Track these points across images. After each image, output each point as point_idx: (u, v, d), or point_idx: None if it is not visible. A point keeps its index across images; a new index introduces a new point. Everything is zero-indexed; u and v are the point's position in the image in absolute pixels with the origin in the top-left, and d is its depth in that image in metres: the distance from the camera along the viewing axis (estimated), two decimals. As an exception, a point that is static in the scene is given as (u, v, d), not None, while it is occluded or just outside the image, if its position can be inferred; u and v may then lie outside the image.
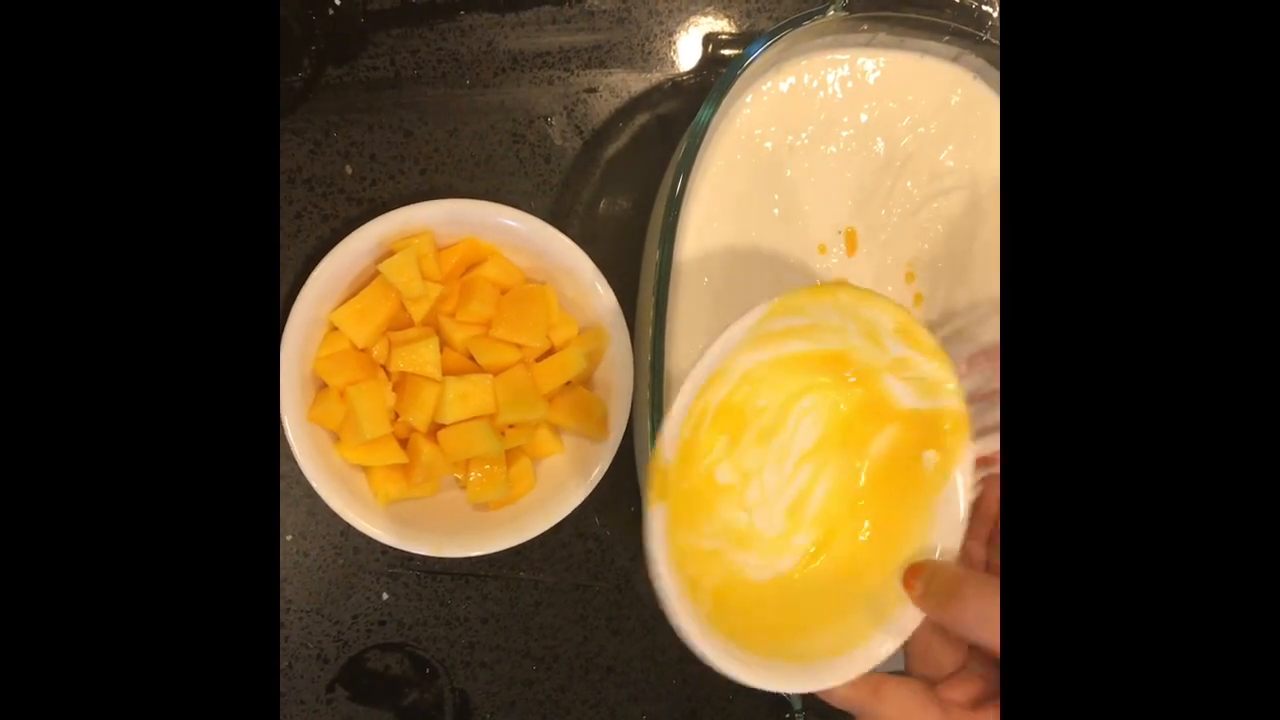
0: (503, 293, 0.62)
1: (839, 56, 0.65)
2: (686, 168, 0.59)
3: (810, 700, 0.60)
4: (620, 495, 0.67)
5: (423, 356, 0.59)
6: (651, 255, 0.61)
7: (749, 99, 0.63)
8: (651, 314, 0.59)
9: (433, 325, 0.61)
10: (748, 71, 0.62)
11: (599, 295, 0.62)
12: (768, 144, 0.64)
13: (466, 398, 0.59)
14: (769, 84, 0.63)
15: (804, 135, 0.64)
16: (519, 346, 0.61)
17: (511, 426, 0.61)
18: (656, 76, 0.68)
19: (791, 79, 0.64)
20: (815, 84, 0.64)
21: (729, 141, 0.63)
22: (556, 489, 0.63)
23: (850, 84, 0.64)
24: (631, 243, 0.66)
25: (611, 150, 0.68)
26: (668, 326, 0.61)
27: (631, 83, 0.68)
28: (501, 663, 0.67)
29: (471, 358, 0.61)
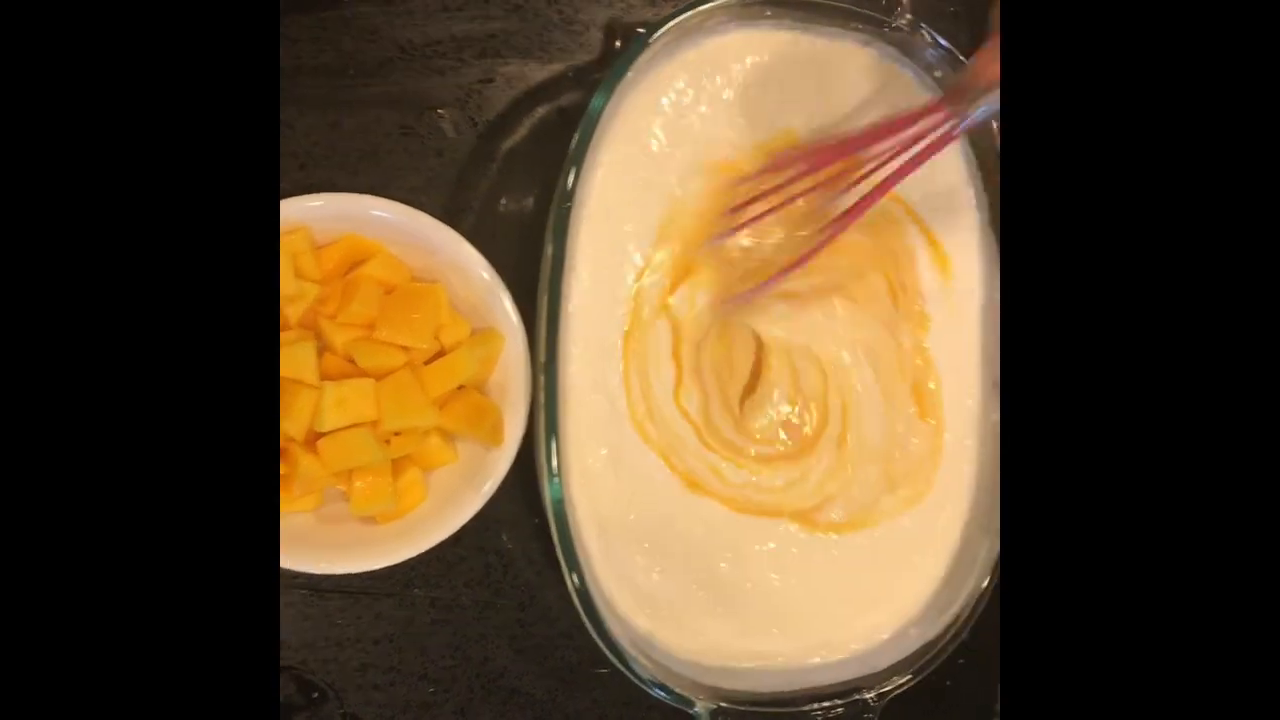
0: (388, 292, 0.58)
1: (743, 41, 0.62)
2: (579, 159, 0.56)
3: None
4: (522, 506, 0.64)
5: (298, 360, 0.55)
6: (546, 252, 0.58)
7: (647, 87, 0.60)
8: (545, 313, 0.56)
9: (311, 327, 0.57)
10: (646, 58, 0.59)
11: (493, 295, 0.59)
12: (668, 133, 0.61)
13: (345, 404, 0.55)
14: (669, 71, 0.61)
15: (709, 123, 0.61)
16: (405, 349, 0.58)
17: (397, 434, 0.58)
18: (557, 66, 0.65)
19: (693, 65, 0.61)
20: (718, 70, 0.62)
21: (626, 132, 0.60)
22: (450, 500, 0.59)
23: (756, 69, 0.62)
24: (533, 241, 0.63)
25: (509, 143, 0.64)
26: (563, 325, 0.58)
27: (530, 73, 0.64)
28: (396, 685, 0.63)
29: (353, 362, 0.57)
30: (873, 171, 0.58)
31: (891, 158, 0.57)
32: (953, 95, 0.56)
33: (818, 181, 0.59)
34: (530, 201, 0.64)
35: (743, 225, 0.60)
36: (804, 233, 0.61)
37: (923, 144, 0.56)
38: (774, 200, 0.60)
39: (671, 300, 0.61)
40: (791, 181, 0.59)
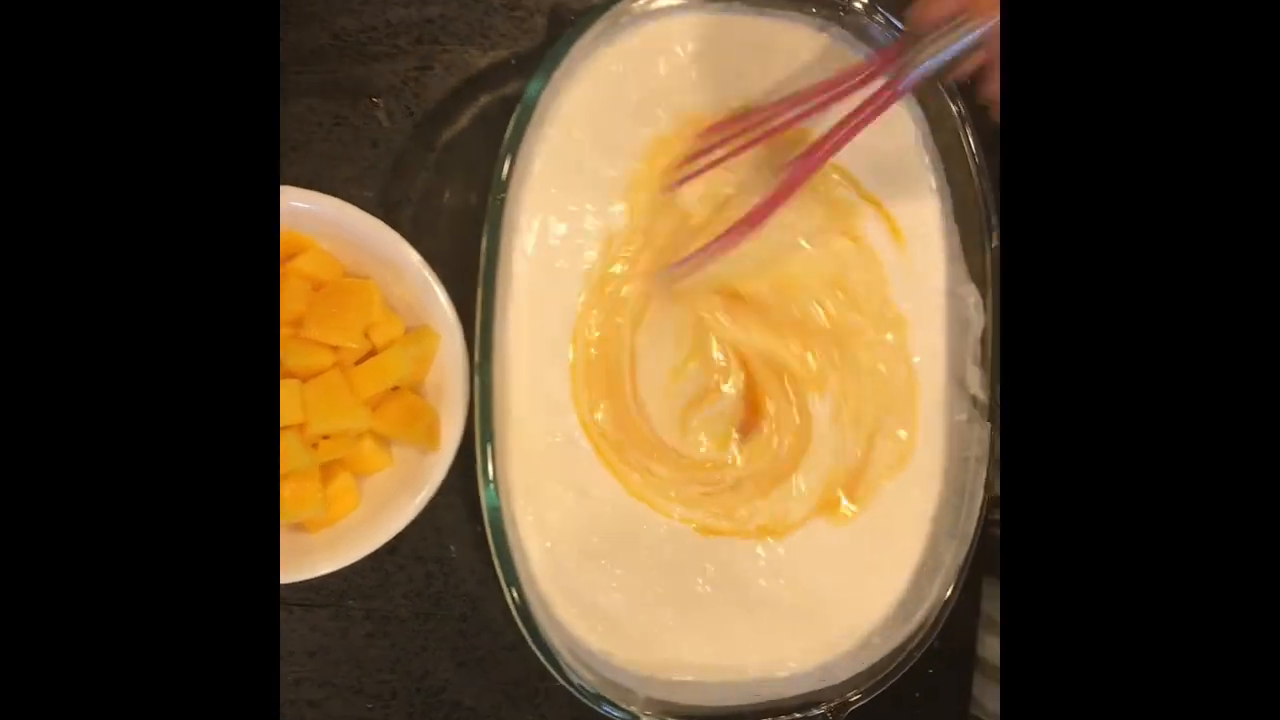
0: (317, 289, 0.55)
1: (690, 25, 0.59)
2: (513, 148, 0.54)
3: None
4: (463, 513, 0.61)
5: (220, 360, 0.52)
6: (482, 245, 0.55)
7: (589, 71, 0.58)
8: (479, 309, 0.54)
9: (235, 326, 0.55)
10: (587, 42, 0.56)
11: (429, 292, 0.56)
12: (609, 119, 0.58)
13: (269, 406, 0.52)
14: (610, 55, 0.58)
15: (651, 108, 0.59)
16: (334, 348, 0.55)
17: (326, 438, 0.55)
18: (500, 53, 0.62)
19: (636, 50, 0.58)
20: (662, 54, 0.59)
21: (565, 118, 0.58)
22: (384, 507, 0.56)
23: (703, 54, 0.59)
24: (475, 236, 0.60)
25: (449, 134, 0.61)
26: (499, 322, 0.55)
27: (471, 60, 0.62)
28: (332, 700, 0.61)
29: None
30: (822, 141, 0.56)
31: (840, 127, 0.55)
32: (891, 52, 0.54)
33: (759, 140, 0.58)
34: (472, 195, 0.61)
35: (686, 178, 0.58)
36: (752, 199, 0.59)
37: (868, 104, 0.54)
38: (717, 155, 0.58)
39: (623, 291, 0.59)
40: (735, 142, 0.57)
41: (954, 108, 0.59)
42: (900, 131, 0.62)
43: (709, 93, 0.59)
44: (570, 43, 0.54)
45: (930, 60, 0.51)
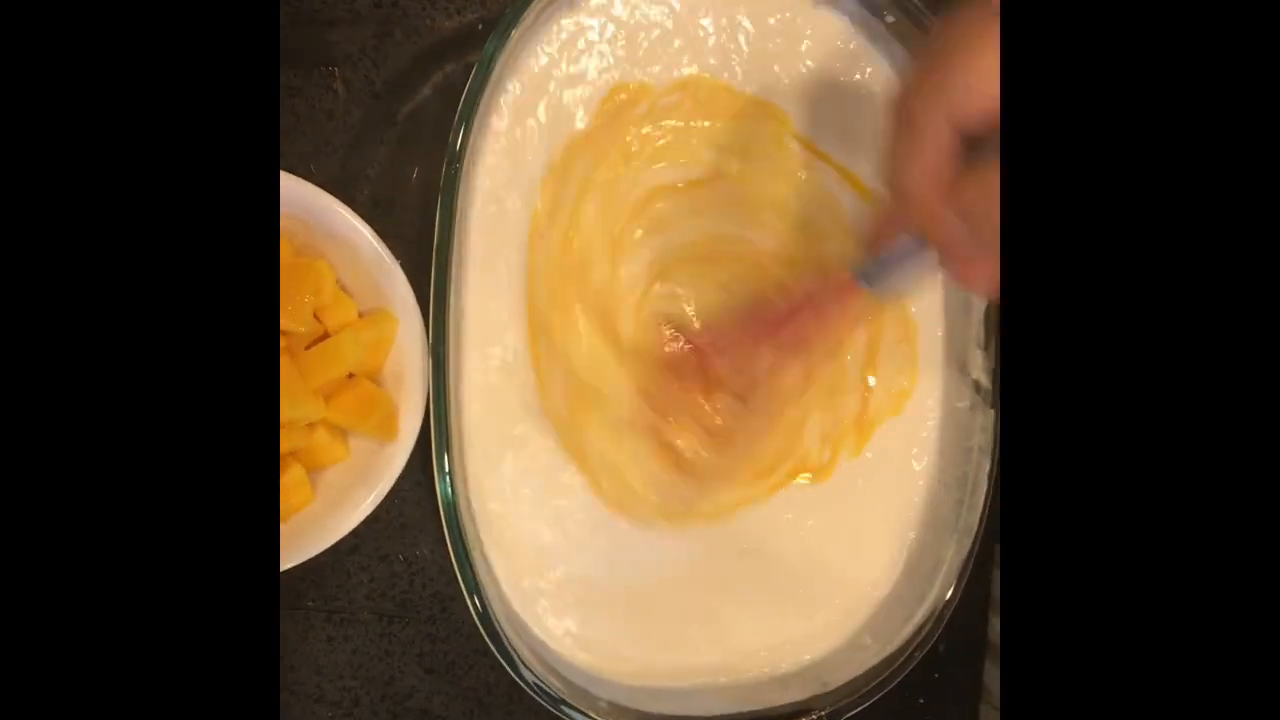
0: (264, 269, 0.52)
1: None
2: (468, 115, 0.50)
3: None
4: (429, 509, 0.57)
5: (157, 345, 0.49)
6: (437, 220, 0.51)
7: (552, 35, 0.54)
8: (432, 288, 0.50)
9: (175, 309, 0.51)
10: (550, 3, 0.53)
11: (385, 272, 0.53)
12: (574, 89, 0.54)
13: (209, 393, 0.49)
14: (573, 15, 0.54)
15: (613, 67, 0.55)
16: (282, 333, 0.51)
17: (274, 428, 0.51)
18: (466, 18, 0.58)
19: (602, 6, 0.55)
20: (631, 9, 0.55)
21: (527, 83, 0.54)
22: (340, 501, 0.53)
23: (670, 8, 0.55)
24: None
25: (410, 105, 0.58)
26: (454, 302, 0.52)
27: (434, 25, 0.58)
28: (290, 708, 0.57)
29: (221, 347, 0.51)
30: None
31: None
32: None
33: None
34: (435, 171, 0.57)
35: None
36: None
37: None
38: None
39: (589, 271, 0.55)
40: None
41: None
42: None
43: (670, 50, 0.56)
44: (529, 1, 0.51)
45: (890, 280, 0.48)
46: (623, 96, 0.55)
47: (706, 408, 0.55)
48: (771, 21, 0.57)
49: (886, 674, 0.55)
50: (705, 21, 0.56)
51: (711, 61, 0.56)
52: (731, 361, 0.54)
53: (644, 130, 0.56)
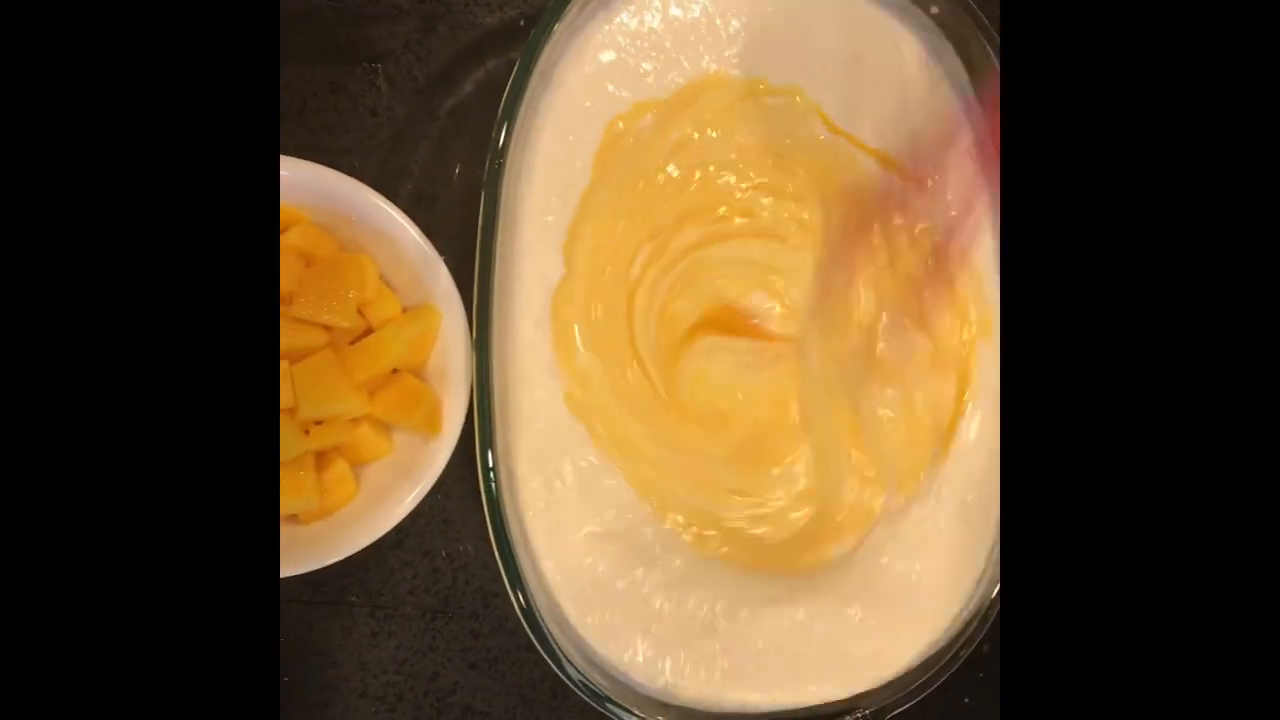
0: (308, 265, 0.52)
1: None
2: (511, 110, 0.50)
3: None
4: (472, 504, 0.57)
5: (203, 340, 0.49)
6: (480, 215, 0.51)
7: (601, 29, 0.54)
8: (476, 283, 0.50)
9: (221, 304, 0.52)
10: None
11: (429, 268, 0.53)
12: (618, 76, 0.54)
13: (254, 389, 0.49)
14: (616, 12, 0.54)
15: (660, 61, 0.54)
16: (326, 328, 0.51)
17: (319, 423, 0.51)
18: (508, 13, 0.58)
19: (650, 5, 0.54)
20: (674, 11, 0.55)
21: (572, 76, 0.54)
22: (384, 497, 0.53)
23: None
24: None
25: (453, 101, 0.58)
26: (498, 297, 0.51)
27: (476, 20, 0.58)
28: (333, 704, 0.57)
29: (267, 342, 0.51)
30: None
31: None
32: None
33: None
34: (479, 166, 0.57)
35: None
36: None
37: None
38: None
39: (631, 270, 0.55)
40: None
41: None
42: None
43: (713, 42, 0.55)
44: (573, -8, 0.50)
45: None
46: (621, 125, 0.55)
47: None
48: (807, 16, 0.56)
49: (931, 672, 0.54)
50: (736, 22, 0.56)
51: (749, 56, 0.56)
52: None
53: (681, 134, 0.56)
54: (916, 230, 0.56)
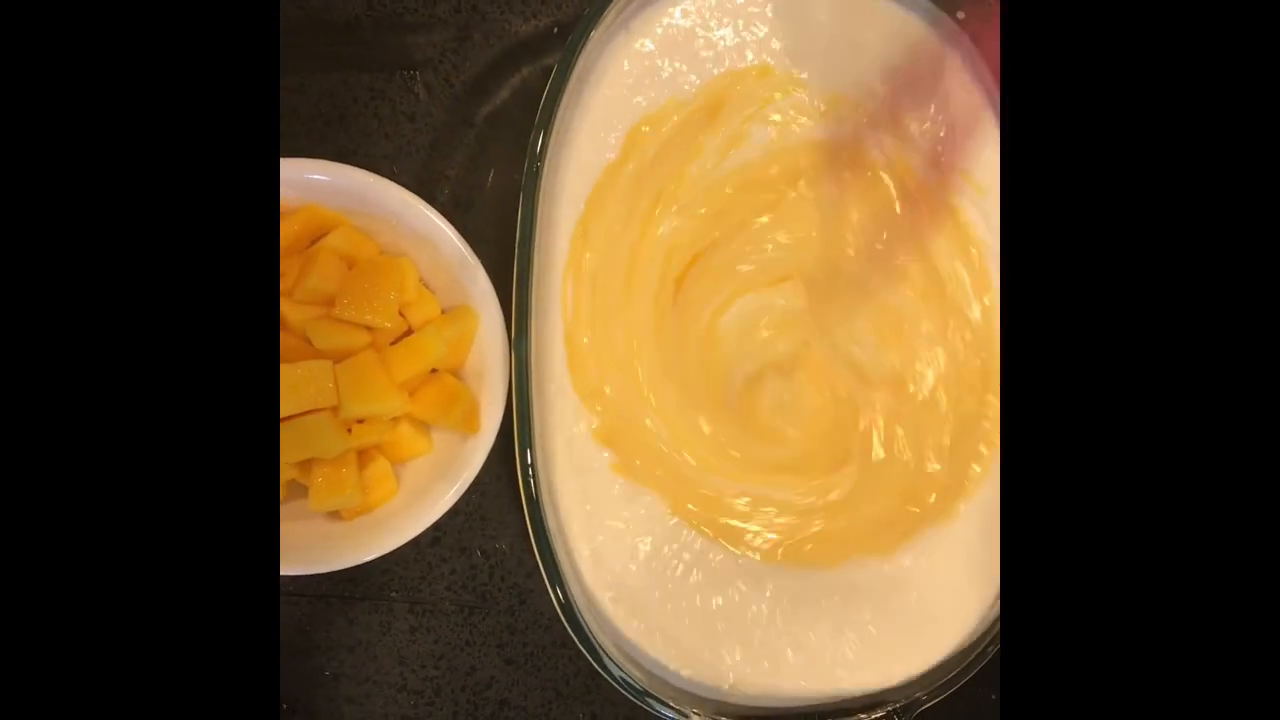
0: (350, 267, 0.53)
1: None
2: (548, 116, 0.51)
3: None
4: (508, 502, 0.59)
5: (249, 341, 0.50)
6: (519, 217, 0.52)
7: (630, 36, 0.55)
8: (514, 283, 0.51)
9: (266, 306, 0.53)
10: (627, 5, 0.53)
11: (467, 270, 0.54)
12: (650, 81, 0.55)
13: (300, 387, 0.50)
14: (651, 15, 0.55)
15: (695, 68, 0.56)
16: (368, 328, 0.52)
17: (360, 421, 0.53)
18: (542, 21, 0.59)
19: (687, 8, 0.55)
20: (716, 13, 0.56)
21: (606, 81, 0.55)
22: (423, 494, 0.54)
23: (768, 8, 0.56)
24: (517, 213, 0.58)
25: (489, 107, 0.59)
26: (535, 297, 0.53)
27: (511, 29, 0.59)
28: (373, 698, 0.58)
29: (310, 342, 0.52)
30: None
31: None
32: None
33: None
34: (514, 171, 0.59)
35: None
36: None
37: None
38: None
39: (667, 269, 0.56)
40: None
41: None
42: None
43: (749, 47, 0.56)
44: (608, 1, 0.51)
45: None
46: (646, 129, 0.56)
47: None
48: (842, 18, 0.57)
49: (959, 668, 0.55)
50: (763, 27, 0.57)
51: (779, 57, 0.57)
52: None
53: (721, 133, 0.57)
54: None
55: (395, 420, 0.54)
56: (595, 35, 0.51)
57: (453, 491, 0.53)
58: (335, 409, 0.51)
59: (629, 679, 0.51)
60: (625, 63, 0.55)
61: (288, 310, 0.52)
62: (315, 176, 0.52)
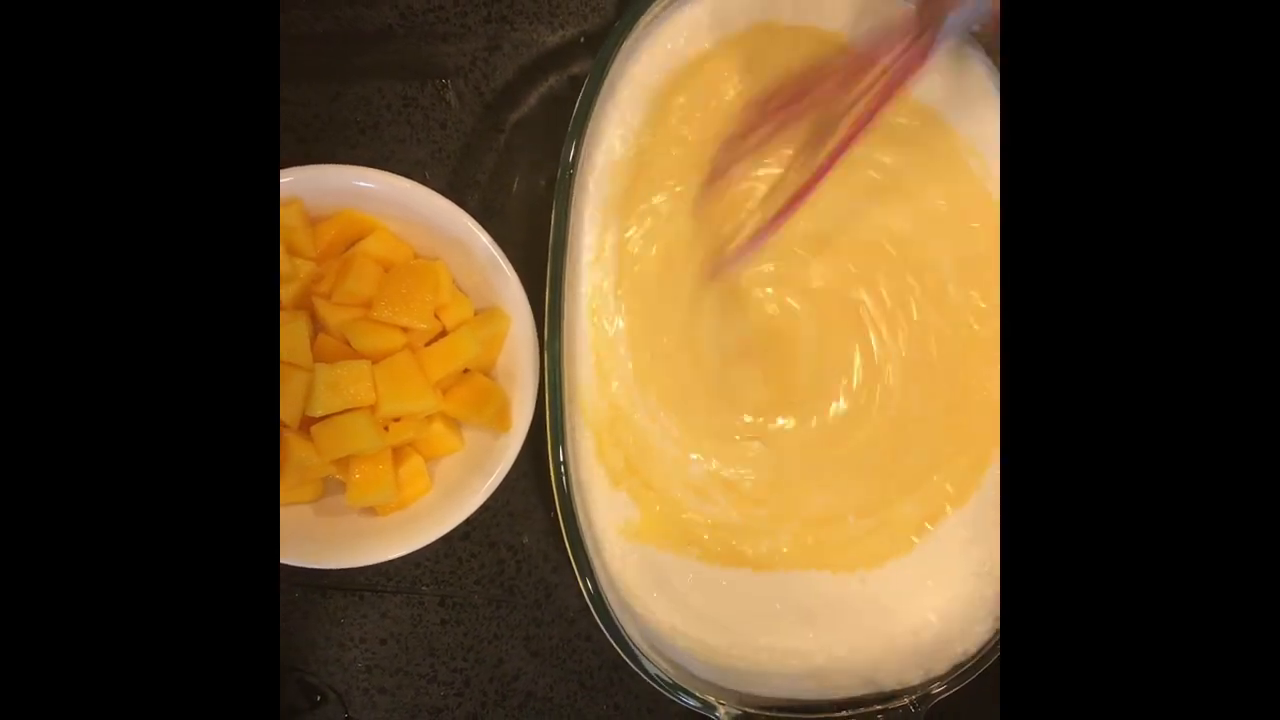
0: (386, 270, 0.55)
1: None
2: (580, 123, 0.53)
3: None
4: (536, 498, 0.60)
5: (290, 341, 0.52)
6: (551, 221, 0.54)
7: (654, 43, 0.57)
8: (548, 286, 0.53)
9: (305, 307, 0.54)
10: (655, 13, 0.55)
11: (498, 272, 0.55)
12: (684, 90, 0.57)
13: (339, 387, 0.52)
14: (678, 24, 0.57)
15: (720, 77, 0.57)
16: (404, 329, 0.54)
17: (397, 420, 0.54)
18: (569, 32, 0.61)
19: (704, 19, 0.57)
20: (730, 21, 0.58)
21: (636, 89, 0.56)
22: (456, 490, 0.56)
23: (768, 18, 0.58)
24: (544, 218, 0.59)
25: (518, 115, 0.61)
26: (569, 300, 0.54)
27: (539, 39, 0.61)
28: (404, 688, 0.60)
29: (348, 343, 0.54)
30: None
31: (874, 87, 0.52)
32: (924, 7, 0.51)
33: (799, 119, 0.55)
34: (540, 177, 0.60)
35: (727, 169, 0.57)
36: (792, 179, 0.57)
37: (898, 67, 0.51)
38: (756, 140, 0.56)
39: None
40: (776, 122, 0.55)
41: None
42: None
43: (774, 58, 0.58)
44: (638, 14, 0.53)
45: (959, 15, 0.49)
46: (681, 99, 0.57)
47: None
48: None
49: (974, 660, 0.57)
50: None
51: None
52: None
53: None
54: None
55: (429, 418, 0.55)
56: (627, 44, 0.53)
57: (485, 488, 0.55)
58: (373, 407, 0.53)
59: (659, 671, 0.53)
60: (649, 72, 0.57)
61: (327, 312, 0.54)
62: (352, 182, 0.54)
